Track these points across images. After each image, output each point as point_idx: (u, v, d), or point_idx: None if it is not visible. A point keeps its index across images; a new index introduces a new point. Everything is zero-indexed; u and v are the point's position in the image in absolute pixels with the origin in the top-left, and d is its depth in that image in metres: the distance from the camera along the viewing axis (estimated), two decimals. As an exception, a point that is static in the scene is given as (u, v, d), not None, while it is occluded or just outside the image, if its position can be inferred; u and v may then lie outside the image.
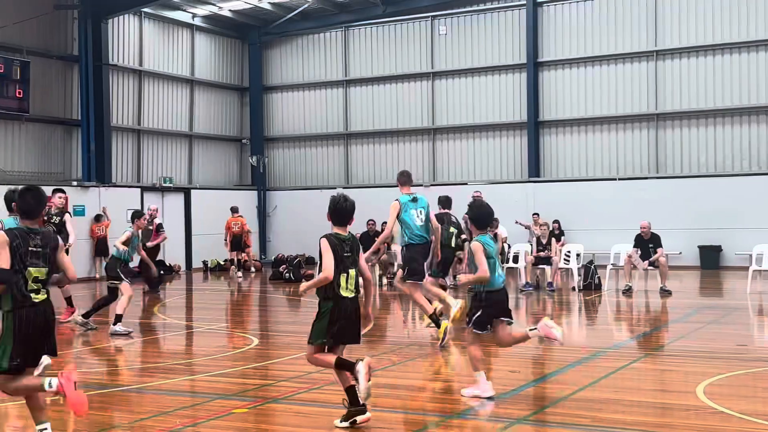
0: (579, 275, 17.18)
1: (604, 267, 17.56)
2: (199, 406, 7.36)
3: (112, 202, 21.99)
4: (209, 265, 24.97)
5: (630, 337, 11.91)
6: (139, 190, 23.88)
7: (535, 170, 24.23)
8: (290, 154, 28.32)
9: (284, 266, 21.24)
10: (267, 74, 28.38)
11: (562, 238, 20.91)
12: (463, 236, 14.46)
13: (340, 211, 6.83)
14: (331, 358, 6.50)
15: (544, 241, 17.60)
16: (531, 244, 18.36)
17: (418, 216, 10.73)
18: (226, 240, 22.42)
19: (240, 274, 22.04)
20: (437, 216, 11.80)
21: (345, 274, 6.51)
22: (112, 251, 12.68)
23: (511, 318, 7.74)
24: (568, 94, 24.19)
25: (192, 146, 26.84)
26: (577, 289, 16.90)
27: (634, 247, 16.67)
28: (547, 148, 24.48)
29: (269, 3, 25.52)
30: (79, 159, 22.97)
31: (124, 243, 11.84)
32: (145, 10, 24.50)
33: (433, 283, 11.34)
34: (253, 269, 23.83)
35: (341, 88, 27.25)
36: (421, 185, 25.48)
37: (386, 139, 26.64)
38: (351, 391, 6.42)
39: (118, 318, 11.63)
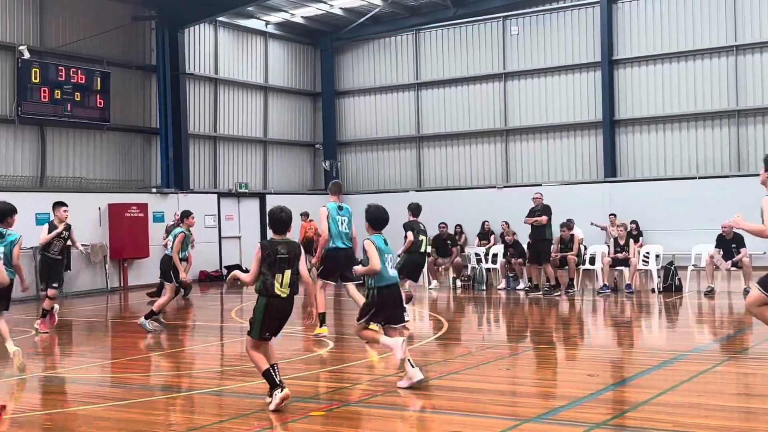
0: (658, 277, 16.79)
1: (685, 268, 17.12)
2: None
3: (189, 208, 22.31)
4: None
5: (713, 339, 11.58)
6: (215, 195, 24.34)
7: (611, 170, 23.78)
8: (363, 158, 28.47)
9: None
10: (339, 79, 28.60)
11: (641, 239, 20.46)
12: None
13: (277, 221, 7.59)
14: (263, 364, 7.35)
15: (621, 243, 17.25)
16: (608, 246, 18.02)
17: (342, 223, 11.81)
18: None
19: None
20: (406, 224, 13.40)
21: (280, 275, 7.30)
22: (166, 251, 13.55)
23: (403, 318, 8.42)
24: (645, 91, 23.68)
25: (266, 152, 27.23)
26: (656, 291, 16.52)
27: (716, 247, 16.21)
28: (624, 147, 24.00)
29: (341, 8, 25.72)
30: (158, 166, 23.55)
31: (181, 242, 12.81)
32: (220, 19, 24.98)
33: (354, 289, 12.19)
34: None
35: (413, 91, 27.27)
36: (494, 187, 25.33)
37: (458, 141, 26.54)
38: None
39: (151, 313, 12.36)
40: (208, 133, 25.21)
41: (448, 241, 20.22)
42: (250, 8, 24.97)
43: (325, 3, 25.13)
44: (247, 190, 25.56)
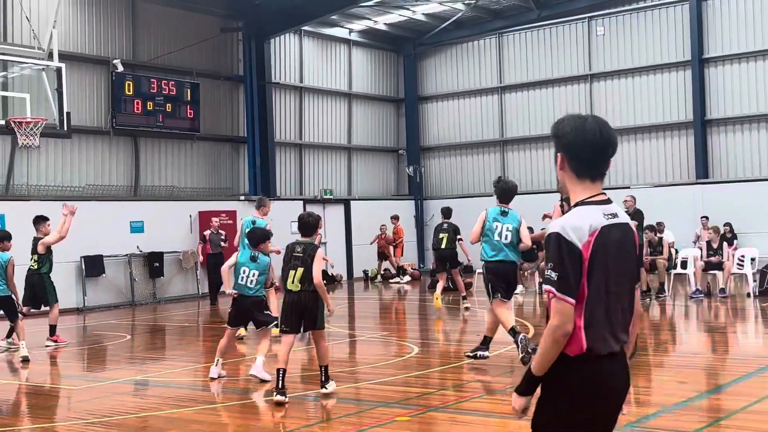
0: (754, 281, 16.21)
1: (783, 272, 16.46)
2: (363, 413, 7.49)
3: (276, 214, 22.79)
4: (369, 275, 25.44)
5: (814, 347, 11.11)
6: (301, 202, 24.68)
7: (703, 171, 23.08)
8: (446, 163, 28.42)
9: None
10: (422, 84, 28.65)
11: (735, 241, 19.79)
12: (459, 237, 15.99)
13: (302, 224, 8.31)
14: (280, 363, 8.01)
15: (714, 246, 16.73)
16: (700, 249, 17.50)
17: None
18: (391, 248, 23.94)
19: (405, 280, 23.23)
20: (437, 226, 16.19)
21: (293, 272, 8.01)
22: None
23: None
24: (737, 90, 22.89)
25: (351, 158, 27.48)
26: (752, 296, 15.95)
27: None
28: (716, 147, 23.26)
29: (423, 14, 25.77)
30: (245, 174, 24.04)
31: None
32: (305, 28, 25.35)
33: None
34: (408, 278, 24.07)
35: (496, 94, 27.09)
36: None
37: (544, 144, 26.20)
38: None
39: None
40: (294, 140, 25.60)
41: (534, 246, 19.94)
42: (334, 17, 25.25)
43: (407, 9, 25.22)
44: (332, 197, 25.84)
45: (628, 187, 22.85)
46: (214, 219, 19.30)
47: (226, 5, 22.86)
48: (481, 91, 27.31)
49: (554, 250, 3.23)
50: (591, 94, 25.15)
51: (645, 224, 16.77)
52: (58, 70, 15.39)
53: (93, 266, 18.87)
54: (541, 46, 26.05)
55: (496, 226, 9.74)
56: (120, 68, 20.27)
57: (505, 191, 9.86)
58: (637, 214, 16.49)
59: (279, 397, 7.77)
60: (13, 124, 14.62)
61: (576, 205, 3.32)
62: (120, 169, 21.19)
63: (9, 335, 12.64)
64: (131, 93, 20.69)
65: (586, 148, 3.32)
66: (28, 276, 12.82)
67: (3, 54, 16.15)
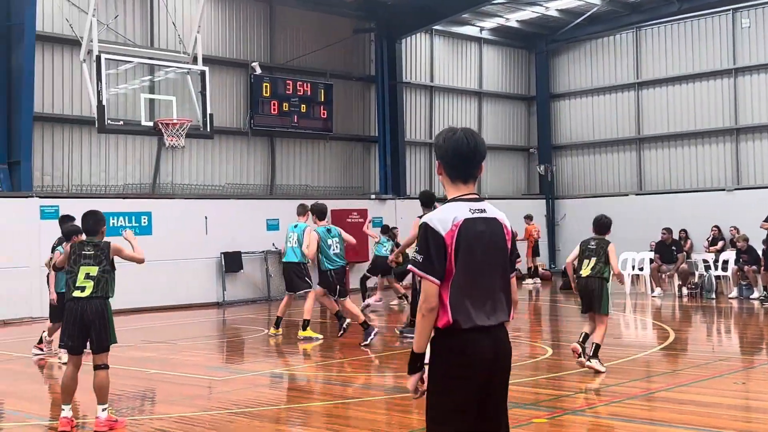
0: None
1: None
2: (497, 414, 7.43)
3: (406, 213, 22.99)
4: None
5: None
6: (431, 201, 24.72)
7: None
8: (579, 162, 27.81)
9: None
10: (554, 82, 28.14)
11: None
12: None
13: (600, 224, 9.68)
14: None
15: None
16: None
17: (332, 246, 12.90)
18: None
19: (538, 281, 22.82)
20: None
21: (587, 260, 9.59)
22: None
23: None
24: None
25: (481, 157, 27.30)
26: None
27: None
28: None
29: (556, 10, 25.31)
30: (376, 173, 24.34)
31: None
32: (436, 27, 25.39)
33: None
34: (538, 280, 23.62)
35: (633, 91, 26.27)
36: (723, 189, 23.84)
37: (683, 141, 25.22)
38: None
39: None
40: (424, 139, 25.70)
41: (673, 247, 19.25)
42: (465, 15, 25.18)
43: (540, 5, 24.83)
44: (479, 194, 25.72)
45: (776, 187, 21.70)
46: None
47: (358, 6, 23.21)
48: (617, 87, 26.56)
49: (422, 237, 3.80)
50: (735, 89, 24.00)
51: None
52: (202, 73, 16.05)
53: (232, 262, 19.58)
54: (681, 40, 25.08)
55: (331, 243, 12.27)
56: (258, 71, 20.91)
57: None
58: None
59: None
60: (160, 126, 15.36)
61: (448, 201, 3.90)
62: (257, 169, 21.89)
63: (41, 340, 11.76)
64: (268, 94, 21.32)
65: (455, 157, 3.89)
66: None
67: (151, 58, 16.99)
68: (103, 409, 7.12)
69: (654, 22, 25.35)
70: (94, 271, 7.13)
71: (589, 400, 7.88)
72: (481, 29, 26.84)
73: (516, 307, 4.00)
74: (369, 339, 11.76)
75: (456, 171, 3.91)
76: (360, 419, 7.52)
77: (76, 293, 7.13)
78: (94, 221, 7.39)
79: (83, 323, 7.09)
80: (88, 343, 7.24)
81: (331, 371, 10.40)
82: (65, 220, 10.72)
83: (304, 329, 12.96)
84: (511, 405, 7.52)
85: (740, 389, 8.50)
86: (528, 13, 25.58)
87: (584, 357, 9.26)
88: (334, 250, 12.16)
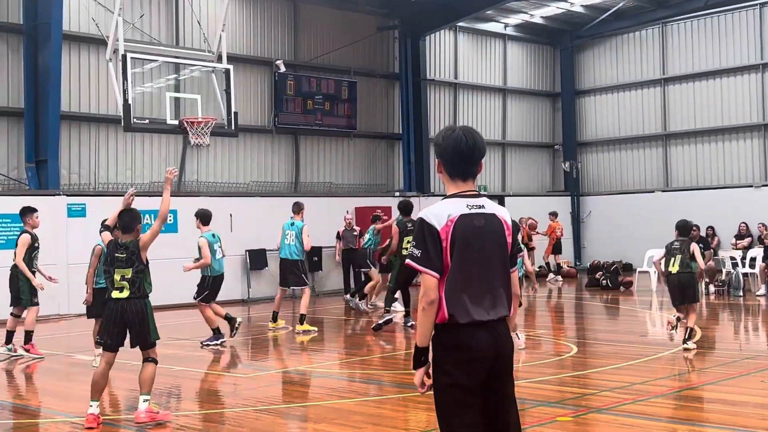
0: None
1: None
2: (522, 412, 7.39)
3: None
4: (522, 272, 25.11)
5: None
6: (455, 198, 24.67)
7: None
8: (604, 158, 27.61)
9: (600, 273, 20.72)
10: (579, 78, 27.96)
11: None
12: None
13: (682, 228, 11.12)
14: None
15: None
16: None
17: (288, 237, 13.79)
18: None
19: (560, 279, 22.55)
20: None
21: (672, 258, 10.82)
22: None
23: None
24: None
25: (505, 154, 27.23)
26: None
27: None
28: None
29: (582, 6, 25.13)
30: (400, 171, 24.32)
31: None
32: (460, 24, 25.32)
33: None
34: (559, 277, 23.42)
35: (659, 86, 26.04)
36: (751, 185, 23.57)
37: (710, 137, 24.95)
38: None
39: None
40: (449, 137, 25.61)
41: (700, 244, 19.03)
42: (489, 12, 25.08)
43: (565, 1, 24.67)
44: (486, 193, 25.59)
45: (805, 183, 21.42)
46: (347, 216, 19.58)
47: (382, 4, 23.20)
48: (643, 83, 26.34)
49: (418, 232, 3.86)
50: (763, 85, 23.71)
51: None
52: (227, 72, 16.11)
53: (257, 259, 19.67)
54: (708, 35, 24.81)
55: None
56: (282, 69, 20.98)
57: None
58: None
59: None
60: (185, 124, 15.45)
61: (446, 197, 3.96)
62: (281, 166, 21.96)
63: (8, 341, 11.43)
64: (292, 92, 21.38)
65: (454, 155, 3.96)
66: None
67: (176, 57, 17.09)
68: (144, 400, 7.29)
69: (680, 17, 25.09)
70: (128, 273, 7.31)
71: (615, 399, 7.83)
72: (506, 26, 26.73)
73: (517, 301, 4.00)
74: (212, 343, 11.87)
75: (455, 168, 3.98)
76: (384, 417, 7.53)
77: (115, 294, 7.32)
78: (130, 218, 7.58)
79: (123, 323, 7.29)
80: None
81: (356, 368, 10.42)
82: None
83: (301, 323, 13.39)
84: (536, 403, 7.53)
85: (762, 386, 8.41)
86: (553, 9, 25.43)
87: (675, 331, 11.11)
88: (219, 255, 12.11)
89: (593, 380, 9.01)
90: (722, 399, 7.72)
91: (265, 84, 21.54)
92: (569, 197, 27.45)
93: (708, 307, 15.75)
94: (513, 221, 4.08)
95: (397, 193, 23.25)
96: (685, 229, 11.16)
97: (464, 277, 3.79)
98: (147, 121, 16.05)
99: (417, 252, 3.81)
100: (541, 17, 26.21)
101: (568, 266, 24.62)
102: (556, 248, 23.60)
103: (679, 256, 10.77)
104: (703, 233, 20.51)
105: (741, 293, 17.21)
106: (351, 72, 22.93)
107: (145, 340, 7.37)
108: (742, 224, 21.51)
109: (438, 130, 25.10)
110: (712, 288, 17.93)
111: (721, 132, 24.68)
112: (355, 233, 19.43)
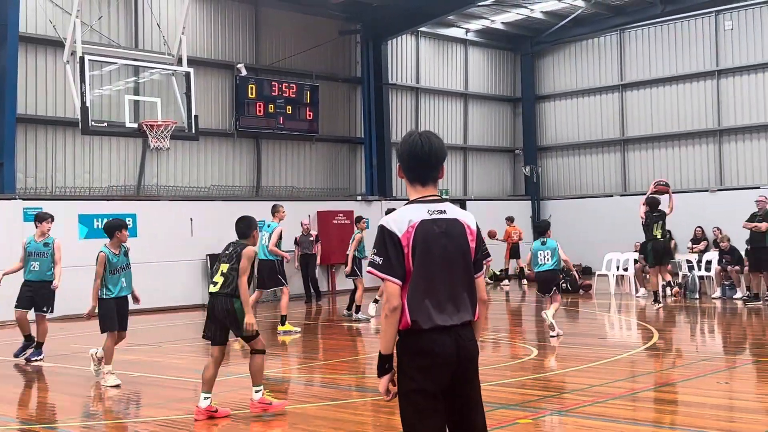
0: None
1: None
2: (482, 414, 7.45)
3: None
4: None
5: None
6: (417, 202, 24.76)
7: (840, 171, 21.80)
8: (564, 163, 27.92)
9: (560, 276, 20.88)
10: (539, 83, 28.24)
11: None
12: None
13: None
14: None
15: None
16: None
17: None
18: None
19: (507, 283, 22.81)
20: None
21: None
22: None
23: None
24: None
25: (466, 158, 27.39)
26: None
27: None
28: None
29: (541, 12, 25.40)
30: (362, 175, 24.34)
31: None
32: (422, 29, 25.43)
33: None
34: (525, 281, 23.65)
35: (617, 92, 26.41)
36: (706, 190, 24.00)
37: (667, 143, 25.38)
38: None
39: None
40: (410, 141, 25.68)
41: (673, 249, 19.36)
42: (450, 17, 25.22)
43: (525, 8, 24.92)
44: (447, 197, 25.77)
45: (758, 187, 21.87)
46: (304, 222, 19.67)
47: (343, 8, 23.20)
48: (601, 89, 26.70)
49: (379, 239, 3.84)
50: (718, 91, 24.17)
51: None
52: (187, 75, 15.99)
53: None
54: (665, 42, 25.24)
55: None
56: (244, 72, 20.89)
57: None
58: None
59: None
60: (144, 127, 15.30)
61: (407, 203, 3.93)
62: (243, 170, 21.85)
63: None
64: (254, 96, 21.28)
65: (411, 160, 3.94)
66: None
67: (135, 60, 16.91)
68: (257, 391, 7.64)
69: (638, 24, 25.50)
70: (225, 267, 7.65)
71: (574, 401, 7.92)
72: (467, 31, 26.91)
73: (485, 306, 3.98)
74: (21, 354, 11.27)
75: (413, 173, 3.96)
76: (345, 421, 7.52)
77: (210, 288, 7.77)
78: (245, 225, 7.93)
79: (215, 318, 7.64)
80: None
81: (316, 373, 10.40)
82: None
83: (283, 324, 13.50)
84: (497, 406, 7.58)
85: (724, 389, 8.56)
86: (513, 15, 25.67)
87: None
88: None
89: (553, 382, 9.10)
90: (679, 400, 7.85)
91: (226, 87, 21.42)
92: (530, 201, 27.71)
93: (665, 310, 15.99)
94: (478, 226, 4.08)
95: (359, 197, 23.27)
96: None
97: (427, 283, 3.78)
98: (105, 124, 15.85)
99: (378, 259, 3.80)
100: (502, 23, 26.44)
101: (528, 269, 24.78)
102: (513, 253, 23.73)
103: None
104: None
105: (697, 296, 17.51)
106: (313, 76, 22.91)
107: (239, 333, 7.63)
108: (698, 228, 21.87)
109: (400, 134, 25.28)
110: (669, 291, 18.21)
111: (677, 137, 25.10)
112: (312, 239, 19.47)
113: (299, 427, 7.24)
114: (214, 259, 19.44)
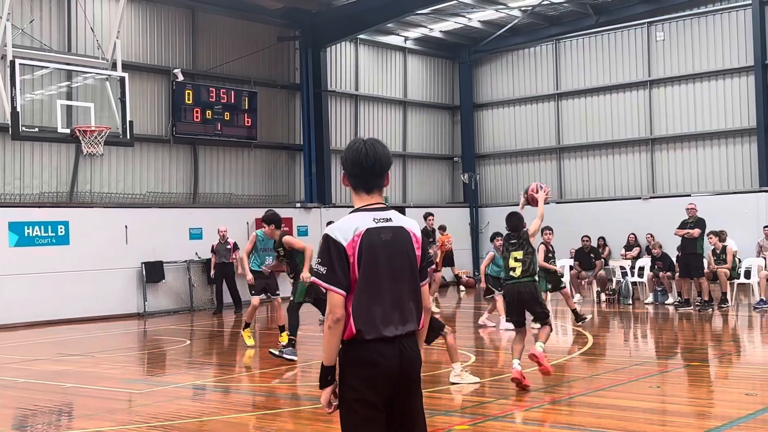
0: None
1: None
2: (420, 421, 7.46)
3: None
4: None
5: None
6: (356, 209, 24.75)
7: (766, 178, 22.53)
8: (502, 170, 28.24)
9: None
10: (477, 91, 28.54)
11: (800, 251, 19.24)
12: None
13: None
14: None
15: (779, 255, 16.30)
16: (765, 259, 17.06)
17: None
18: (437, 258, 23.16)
19: (463, 289, 22.94)
20: None
21: None
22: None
23: None
24: (803, 95, 22.30)
25: (406, 166, 27.51)
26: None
27: None
28: (781, 154, 22.67)
29: (479, 21, 25.69)
30: (301, 182, 24.23)
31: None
32: (361, 36, 25.47)
33: None
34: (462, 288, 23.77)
35: (552, 101, 26.85)
36: (639, 198, 24.55)
37: (601, 151, 25.89)
38: None
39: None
40: (349, 148, 25.67)
41: (591, 254, 19.74)
42: (389, 25, 25.31)
43: (463, 17, 25.17)
44: (387, 204, 25.84)
45: (689, 195, 22.45)
46: (221, 228, 19.24)
47: (282, 14, 23.10)
48: (538, 98, 27.11)
49: (324, 248, 3.78)
50: (650, 101, 24.77)
51: (707, 232, 16.45)
52: (122, 80, 15.74)
53: (153, 272, 19.22)
54: (599, 53, 25.76)
55: None
56: (180, 77, 20.63)
57: None
58: (699, 223, 16.18)
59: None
60: (78, 133, 14.99)
61: (352, 212, 3.89)
62: (179, 177, 21.55)
63: None
64: (191, 102, 21.03)
65: (355, 167, 3.88)
66: None
67: (68, 64, 16.59)
68: (540, 346, 8.85)
69: (573, 34, 25.97)
70: (519, 254, 8.88)
71: (511, 406, 7.99)
72: (406, 39, 27.06)
73: (428, 314, 3.96)
74: None
75: (357, 180, 3.91)
76: (283, 430, 7.46)
77: (511, 274, 8.95)
78: (517, 219, 9.36)
79: (520, 301, 8.87)
80: None
81: (254, 382, 10.29)
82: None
83: (244, 329, 12.88)
84: (434, 412, 7.59)
85: (656, 393, 8.74)
86: (451, 24, 25.90)
87: None
88: None
89: (490, 388, 9.17)
90: (613, 404, 7.97)
91: (162, 93, 21.11)
92: (468, 208, 27.95)
93: (599, 315, 16.27)
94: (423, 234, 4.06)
95: (298, 204, 23.16)
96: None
97: (372, 292, 3.75)
98: (37, 129, 15.51)
99: (323, 269, 3.74)
100: (440, 31, 26.65)
101: (467, 276, 24.98)
102: (447, 260, 23.64)
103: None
104: (594, 243, 21.19)
105: (630, 301, 17.87)
106: (251, 82, 22.74)
107: (538, 314, 9.04)
108: (631, 235, 22.35)
109: (339, 141, 25.29)
110: (603, 296, 18.56)
111: (611, 146, 25.63)
112: (229, 246, 19.17)
113: (236, 438, 7.13)
114: (150, 267, 19.15)
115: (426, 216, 18.20)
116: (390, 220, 3.88)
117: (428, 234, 18.07)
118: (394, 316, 3.78)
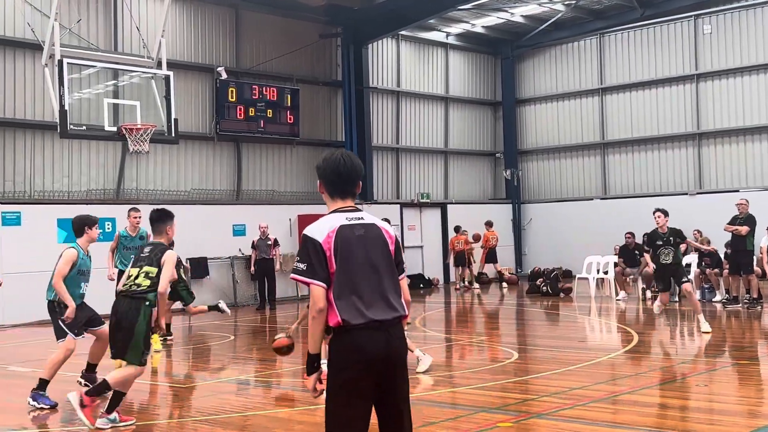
0: None
1: None
2: (463, 419, 7.45)
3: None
4: (466, 279, 25.23)
5: None
6: (398, 206, 24.77)
7: (817, 174, 22.01)
8: (544, 166, 28.02)
9: (541, 279, 20.99)
10: (520, 87, 28.34)
11: None
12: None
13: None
14: None
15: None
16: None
17: None
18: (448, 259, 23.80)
19: (505, 286, 22.85)
20: None
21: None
22: None
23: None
24: None
25: (447, 162, 27.42)
26: None
27: None
28: (832, 149, 22.13)
29: (522, 16, 25.50)
30: (343, 178, 24.24)
31: None
32: (402, 32, 25.44)
33: None
34: (477, 285, 23.46)
35: (596, 96, 26.55)
36: (686, 193, 24.17)
37: (647, 146, 25.53)
38: None
39: None
40: (391, 144, 25.72)
41: (636, 251, 19.47)
42: (431, 21, 25.26)
43: (505, 12, 25.01)
44: (428, 201, 25.83)
45: (737, 191, 22.06)
46: (261, 224, 19.37)
47: (324, 11, 23.17)
48: (581, 93, 26.83)
49: (302, 247, 4.12)
50: (697, 95, 24.35)
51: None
52: (167, 78, 15.91)
53: (198, 268, 19.43)
54: (644, 46, 25.40)
55: None
56: (224, 75, 20.81)
57: None
58: (749, 220, 15.87)
59: None
60: (124, 131, 15.20)
61: (328, 214, 4.22)
62: (223, 174, 21.75)
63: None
64: (234, 99, 21.20)
65: (333, 174, 4.25)
66: None
67: (115, 63, 16.82)
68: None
69: (617, 28, 25.65)
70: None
71: (555, 404, 7.92)
72: (447, 35, 26.96)
73: (409, 306, 4.21)
74: None
75: (334, 187, 4.26)
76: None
77: None
78: None
79: None
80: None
81: (298, 378, 10.34)
82: None
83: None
84: (477, 409, 7.57)
85: (703, 391, 8.59)
86: (493, 19, 25.75)
87: None
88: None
89: (534, 385, 9.10)
90: (659, 403, 7.86)
91: (206, 91, 21.32)
92: (510, 205, 27.78)
93: (645, 313, 16.06)
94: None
95: (340, 201, 23.18)
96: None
97: (353, 283, 4.02)
98: (84, 127, 15.75)
99: (302, 266, 4.04)
100: (482, 27, 26.51)
101: (509, 273, 24.86)
102: (490, 257, 23.65)
103: None
104: (639, 240, 20.88)
105: (677, 299, 17.57)
106: (293, 79, 22.85)
107: None
108: (678, 231, 21.97)
109: (381, 138, 25.34)
110: (649, 294, 18.29)
111: (657, 141, 25.25)
112: (269, 242, 19.28)
113: (279, 433, 7.19)
114: (194, 263, 19.36)
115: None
116: (362, 218, 4.21)
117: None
118: (379, 304, 4.05)
